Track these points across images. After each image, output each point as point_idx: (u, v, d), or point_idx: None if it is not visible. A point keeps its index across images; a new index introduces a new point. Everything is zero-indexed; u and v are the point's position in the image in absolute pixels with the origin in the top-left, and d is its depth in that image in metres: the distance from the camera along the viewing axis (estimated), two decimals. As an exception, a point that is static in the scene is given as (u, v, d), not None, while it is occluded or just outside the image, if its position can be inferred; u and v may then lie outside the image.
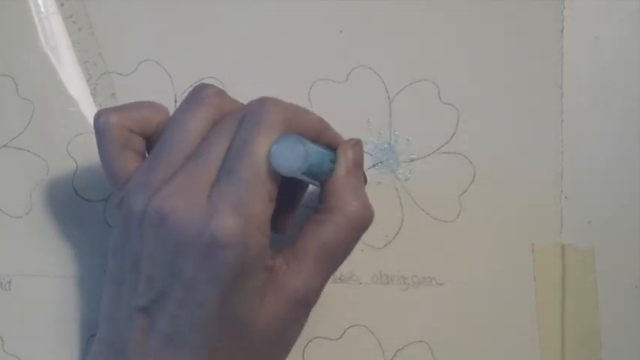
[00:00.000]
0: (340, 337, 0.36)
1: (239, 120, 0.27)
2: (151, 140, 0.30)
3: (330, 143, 0.30)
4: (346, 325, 0.36)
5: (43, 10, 0.37)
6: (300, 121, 0.28)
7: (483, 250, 0.36)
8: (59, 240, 0.36)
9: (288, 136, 0.26)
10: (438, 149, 0.37)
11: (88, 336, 0.35)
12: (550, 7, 0.38)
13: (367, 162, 0.37)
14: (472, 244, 0.36)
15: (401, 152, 0.37)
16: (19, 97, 0.37)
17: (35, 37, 0.37)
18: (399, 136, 0.37)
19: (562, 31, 0.38)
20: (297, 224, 0.32)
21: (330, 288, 0.36)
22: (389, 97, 0.37)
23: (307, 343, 0.36)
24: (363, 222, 0.29)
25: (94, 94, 0.37)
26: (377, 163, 0.37)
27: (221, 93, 0.29)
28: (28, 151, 0.36)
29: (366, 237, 0.36)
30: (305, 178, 0.27)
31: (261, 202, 0.26)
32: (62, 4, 0.37)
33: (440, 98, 0.37)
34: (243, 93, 0.30)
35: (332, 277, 0.36)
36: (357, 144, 0.30)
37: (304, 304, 0.29)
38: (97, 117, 0.29)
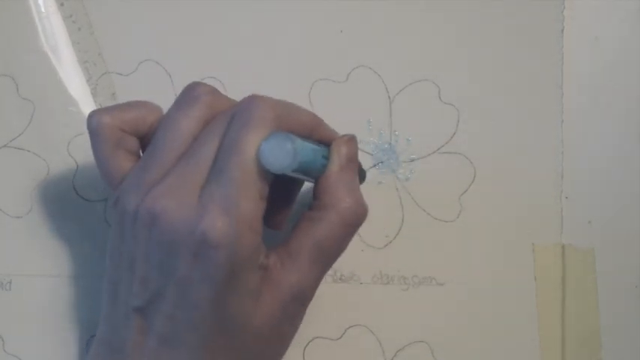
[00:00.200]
0: (340, 337, 0.36)
1: (229, 118, 0.27)
2: (145, 140, 0.30)
3: (324, 139, 0.30)
4: (346, 325, 0.36)
5: (43, 9, 0.37)
6: (292, 117, 0.28)
7: (483, 250, 0.36)
8: (59, 240, 0.36)
9: (277, 133, 0.26)
10: (439, 149, 0.37)
11: (88, 336, 0.35)
12: (550, 7, 0.38)
13: (367, 162, 0.37)
14: (472, 244, 0.36)
15: (401, 152, 0.37)
16: (19, 97, 0.37)
17: (35, 37, 0.37)
18: (399, 136, 0.37)
19: (562, 31, 0.38)
20: (290, 221, 0.32)
21: (331, 288, 0.36)
22: (389, 97, 0.37)
23: (307, 343, 0.36)
24: (356, 219, 0.29)
25: (94, 94, 0.37)
26: (377, 163, 0.37)
27: (213, 91, 0.29)
28: (28, 151, 0.36)
29: (367, 237, 0.36)
30: (297, 175, 0.27)
31: (251, 201, 0.26)
32: (62, 4, 0.37)
33: (440, 98, 0.37)
34: (243, 93, 0.29)
35: (332, 277, 0.36)
36: (350, 140, 0.30)
37: (300, 301, 0.29)
38: (90, 118, 0.29)
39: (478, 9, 0.38)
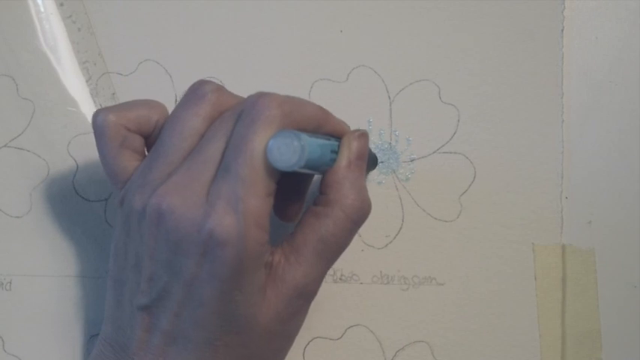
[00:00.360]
0: (340, 337, 0.36)
1: (237, 116, 0.27)
2: (150, 139, 0.30)
3: (333, 132, 0.30)
4: (346, 325, 0.36)
5: (42, 10, 0.37)
6: (299, 113, 0.28)
7: (484, 250, 0.36)
8: (59, 240, 0.36)
9: (284, 131, 0.26)
10: (439, 149, 0.37)
11: (89, 336, 0.35)
12: (550, 7, 0.38)
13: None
14: (472, 244, 0.36)
15: (401, 152, 0.37)
16: (19, 97, 0.37)
17: (35, 38, 0.37)
18: (399, 136, 0.37)
19: (562, 31, 0.38)
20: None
21: (331, 288, 0.36)
22: (389, 97, 0.37)
23: (307, 343, 0.36)
24: (362, 215, 0.29)
25: (94, 94, 0.37)
26: (377, 163, 0.37)
27: (219, 89, 0.29)
28: (28, 151, 0.36)
29: (367, 237, 0.36)
30: (305, 171, 0.27)
31: (259, 199, 0.26)
32: (62, 4, 0.37)
33: (440, 98, 0.37)
34: (243, 93, 0.30)
35: (332, 277, 0.36)
36: (362, 135, 0.30)
37: (305, 297, 0.29)
38: (95, 117, 0.29)
39: (478, 9, 0.38)
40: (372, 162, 0.34)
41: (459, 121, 0.37)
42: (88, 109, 0.37)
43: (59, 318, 0.35)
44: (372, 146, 0.37)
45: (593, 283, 0.36)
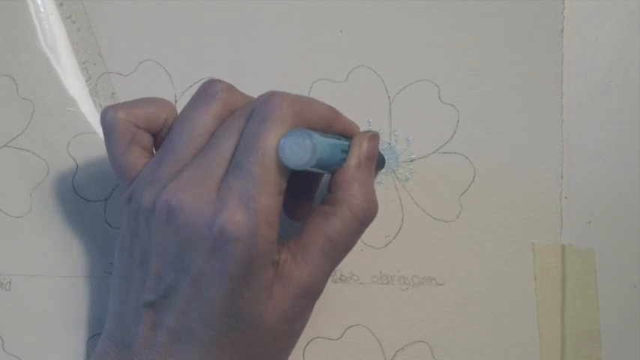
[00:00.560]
0: (340, 337, 0.36)
1: (248, 115, 0.27)
2: (158, 137, 0.30)
3: (344, 132, 0.30)
4: (346, 325, 0.36)
5: (42, 10, 0.37)
6: (310, 113, 0.28)
7: (483, 250, 0.36)
8: (59, 240, 0.36)
9: (296, 130, 0.26)
10: (438, 149, 0.37)
11: (89, 336, 0.35)
12: (550, 7, 0.38)
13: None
14: (472, 244, 0.36)
15: (401, 152, 0.37)
16: (19, 97, 0.37)
17: (34, 38, 0.37)
18: (399, 136, 0.37)
19: (562, 31, 0.38)
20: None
21: (330, 288, 0.36)
22: (389, 97, 0.37)
23: (307, 343, 0.36)
24: (369, 216, 0.29)
25: (93, 94, 0.37)
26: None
27: (230, 88, 0.29)
28: (28, 151, 0.36)
29: (366, 237, 0.36)
30: (315, 170, 0.27)
31: (270, 197, 0.26)
32: (61, 4, 0.37)
33: (440, 98, 0.37)
34: (244, 93, 0.30)
35: (332, 277, 0.36)
36: (373, 136, 0.30)
37: (311, 295, 0.29)
38: (105, 113, 0.29)
39: (478, 9, 0.38)
40: (380, 163, 0.35)
41: (458, 121, 0.37)
42: (87, 109, 0.37)
43: (59, 318, 0.35)
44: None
45: (592, 283, 0.36)
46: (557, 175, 0.37)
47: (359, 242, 0.35)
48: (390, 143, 0.37)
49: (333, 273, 0.36)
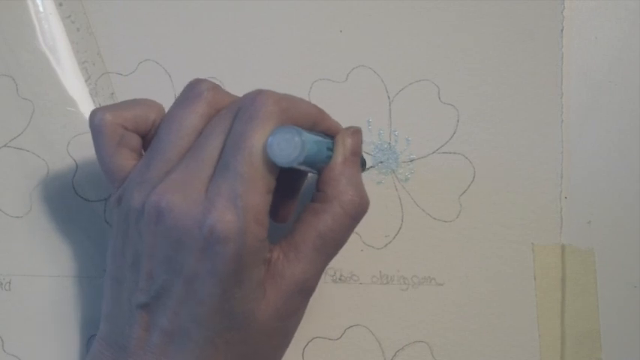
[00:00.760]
0: (340, 337, 0.36)
1: (234, 113, 0.27)
2: (147, 138, 0.30)
3: (328, 131, 0.30)
4: (346, 325, 0.36)
5: (41, 10, 0.37)
6: (296, 111, 0.28)
7: (483, 250, 0.36)
8: (59, 240, 0.36)
9: (283, 127, 0.26)
10: (438, 149, 0.37)
11: (88, 336, 0.35)
12: (550, 7, 0.38)
13: (367, 162, 0.37)
14: (472, 244, 0.36)
15: (401, 152, 0.37)
16: (19, 97, 0.37)
17: (34, 38, 0.37)
18: (399, 136, 0.37)
19: (562, 31, 0.38)
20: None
21: (330, 288, 0.36)
22: (389, 97, 0.37)
23: (307, 343, 0.36)
24: (361, 211, 0.29)
25: (93, 94, 0.37)
26: (377, 163, 0.37)
27: (215, 87, 0.29)
28: (28, 151, 0.36)
29: (366, 237, 0.36)
30: (302, 167, 0.27)
31: (258, 195, 0.26)
32: (61, 4, 0.37)
33: (440, 98, 0.37)
34: (243, 93, 0.30)
35: (332, 277, 0.36)
36: (356, 132, 0.30)
37: (304, 293, 0.29)
38: (92, 116, 0.29)
39: (478, 9, 0.38)
40: (360, 164, 0.34)
41: (458, 121, 0.37)
42: (87, 109, 0.37)
43: (59, 318, 0.35)
44: (371, 146, 0.37)
45: (592, 283, 0.36)
46: (557, 175, 0.37)
47: (359, 242, 0.35)
48: (389, 143, 0.37)
49: (333, 273, 0.36)
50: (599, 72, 0.38)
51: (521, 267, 0.36)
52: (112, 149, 0.29)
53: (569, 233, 0.37)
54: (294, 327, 0.30)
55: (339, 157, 0.29)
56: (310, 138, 0.27)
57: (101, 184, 0.36)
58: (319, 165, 0.29)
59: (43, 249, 0.36)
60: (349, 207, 0.28)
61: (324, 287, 0.36)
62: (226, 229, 0.25)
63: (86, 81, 0.37)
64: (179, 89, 0.37)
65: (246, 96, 0.28)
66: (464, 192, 0.37)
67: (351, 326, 0.36)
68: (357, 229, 0.33)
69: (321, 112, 0.30)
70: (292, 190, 0.33)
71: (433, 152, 0.37)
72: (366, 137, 0.37)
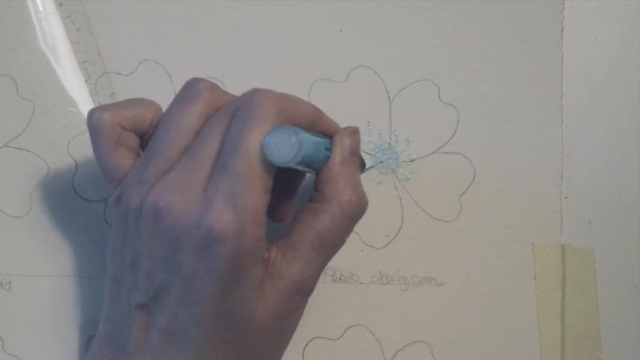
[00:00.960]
0: (340, 337, 0.36)
1: (232, 113, 0.27)
2: (145, 137, 0.30)
3: (326, 131, 0.30)
4: (346, 325, 0.36)
5: (41, 10, 0.37)
6: (294, 110, 0.28)
7: (483, 250, 0.36)
8: (59, 240, 0.36)
9: (281, 127, 0.26)
10: (438, 149, 0.37)
11: (88, 336, 0.35)
12: (550, 7, 0.38)
13: (367, 162, 0.37)
14: (472, 244, 0.36)
15: (401, 152, 0.37)
16: (19, 97, 0.37)
17: (34, 38, 0.37)
18: (399, 136, 0.37)
19: (562, 31, 0.38)
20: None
21: (330, 288, 0.36)
22: (389, 97, 0.37)
23: (307, 343, 0.36)
24: (357, 211, 0.29)
25: (93, 94, 0.37)
26: (377, 163, 0.37)
27: (213, 87, 0.29)
28: (28, 151, 0.36)
29: (366, 237, 0.36)
30: (300, 167, 0.27)
31: (256, 195, 0.26)
32: (61, 4, 0.37)
33: (440, 98, 0.37)
34: (234, 94, 0.30)
35: (332, 277, 0.36)
36: (354, 132, 0.30)
37: (302, 293, 0.29)
38: (90, 115, 0.29)
39: (478, 9, 0.38)
40: (360, 165, 0.34)
41: (458, 121, 0.37)
42: (87, 109, 0.36)
43: (59, 318, 0.35)
44: (371, 146, 0.37)
45: (592, 283, 0.36)
46: (557, 175, 0.37)
47: (359, 242, 0.35)
48: (390, 143, 0.37)
49: (333, 273, 0.36)
50: (599, 72, 0.38)
51: (521, 267, 0.36)
52: (110, 148, 0.29)
53: (569, 233, 0.37)
54: (292, 327, 0.30)
55: (337, 157, 0.29)
56: (308, 138, 0.27)
57: (101, 184, 0.36)
58: (317, 165, 0.29)
59: (43, 249, 0.36)
60: (347, 207, 0.28)
61: (324, 287, 0.36)
62: (224, 229, 0.25)
63: (86, 81, 0.37)
64: (179, 89, 0.37)
65: (244, 95, 0.28)
66: (464, 192, 0.37)
67: (351, 326, 0.36)
68: (358, 229, 0.33)
69: (319, 112, 0.30)
70: (290, 189, 0.33)
71: (433, 152, 0.37)
72: (366, 137, 0.37)
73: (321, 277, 0.33)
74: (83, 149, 0.36)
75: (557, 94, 0.37)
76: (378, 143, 0.37)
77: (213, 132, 0.27)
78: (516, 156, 0.37)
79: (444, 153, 0.37)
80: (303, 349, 0.36)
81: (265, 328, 0.28)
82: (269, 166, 0.26)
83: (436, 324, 0.36)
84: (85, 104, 0.37)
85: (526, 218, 0.37)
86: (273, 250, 0.28)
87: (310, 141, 0.27)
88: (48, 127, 0.36)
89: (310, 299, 0.30)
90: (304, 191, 0.34)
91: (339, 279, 0.36)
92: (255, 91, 0.27)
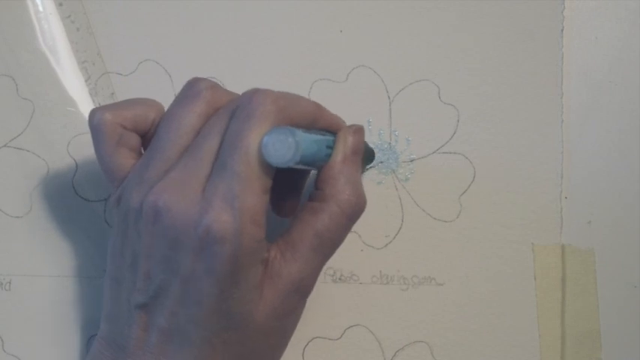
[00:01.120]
0: (340, 337, 0.36)
1: (231, 113, 0.27)
2: (146, 137, 0.30)
3: (328, 127, 0.30)
4: (346, 325, 0.36)
5: (41, 10, 0.37)
6: (294, 109, 0.28)
7: (483, 250, 0.36)
8: (59, 240, 0.36)
9: (279, 128, 0.26)
10: (438, 149, 0.37)
11: (88, 336, 0.35)
12: (550, 7, 0.38)
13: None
14: (472, 244, 0.36)
15: (401, 152, 0.37)
16: (19, 97, 0.37)
17: (34, 38, 0.37)
18: (399, 136, 0.37)
19: (562, 31, 0.38)
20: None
21: (330, 288, 0.36)
22: (389, 97, 0.37)
23: (307, 343, 0.36)
24: (357, 210, 0.29)
25: (93, 94, 0.37)
26: (377, 163, 0.37)
27: (214, 86, 0.29)
28: (28, 151, 0.36)
29: (366, 237, 0.36)
30: (300, 167, 0.27)
31: (255, 195, 0.26)
32: (60, 4, 0.37)
33: (440, 98, 0.37)
34: (235, 93, 0.30)
35: (332, 277, 0.36)
36: (357, 130, 0.30)
37: (301, 292, 0.29)
38: (92, 115, 0.29)
39: (478, 9, 0.38)
40: (369, 156, 0.34)
41: (458, 121, 0.37)
42: (87, 109, 0.37)
43: (59, 318, 0.35)
44: (371, 146, 0.37)
45: (592, 283, 0.36)
46: (557, 175, 0.37)
47: (359, 242, 0.35)
48: (390, 143, 0.37)
49: (333, 273, 0.36)
50: (599, 72, 0.38)
51: (521, 267, 0.36)
52: (112, 148, 0.29)
53: (569, 233, 0.37)
54: (291, 327, 0.30)
55: (338, 155, 0.29)
56: (308, 138, 0.27)
57: (101, 184, 0.36)
58: (319, 163, 0.29)
59: (43, 249, 0.36)
60: (346, 206, 0.28)
61: (324, 287, 0.36)
62: (222, 229, 0.25)
63: (86, 81, 0.37)
64: (179, 89, 0.37)
65: (243, 95, 0.28)
66: (464, 192, 0.37)
67: (351, 326, 0.36)
68: (357, 229, 0.33)
69: (320, 108, 0.29)
70: (296, 184, 0.33)
71: (433, 152, 0.37)
72: (366, 137, 0.36)
73: (321, 277, 0.33)
74: (83, 149, 0.36)
75: (557, 94, 0.37)
76: (378, 143, 0.37)
77: (213, 132, 0.27)
78: (516, 156, 0.37)
79: (444, 153, 0.37)
80: (303, 349, 0.36)
81: (264, 328, 0.28)
82: (267, 166, 0.26)
83: (436, 324, 0.36)
84: (85, 104, 0.37)
85: (526, 218, 0.37)
86: (272, 249, 0.28)
87: (310, 140, 0.27)
88: (48, 127, 0.36)
89: (310, 299, 0.30)
90: (311, 186, 0.34)
91: (339, 279, 0.36)
92: (255, 91, 0.27)
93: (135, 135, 0.29)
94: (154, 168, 0.28)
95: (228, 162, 0.26)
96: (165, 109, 0.30)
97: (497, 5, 0.38)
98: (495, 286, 0.36)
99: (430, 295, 0.36)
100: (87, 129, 0.36)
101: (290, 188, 0.32)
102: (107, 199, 0.36)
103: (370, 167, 0.37)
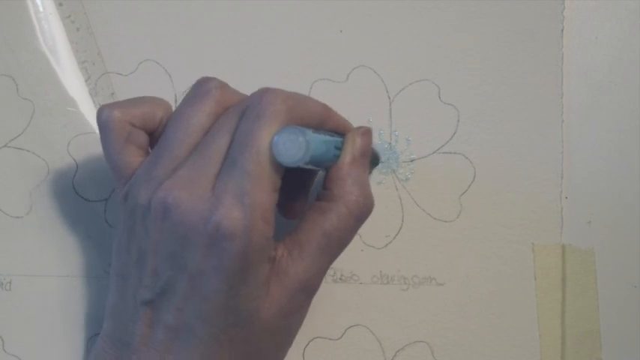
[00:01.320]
0: (340, 337, 0.36)
1: (241, 112, 0.27)
2: (154, 135, 0.30)
3: (336, 129, 0.30)
4: (346, 325, 0.36)
5: (41, 10, 0.37)
6: (303, 109, 0.28)
7: (483, 250, 0.36)
8: (59, 240, 0.36)
9: (289, 127, 0.26)
10: (438, 149, 0.37)
11: (89, 336, 0.35)
12: (550, 7, 0.38)
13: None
14: (472, 244, 0.36)
15: (401, 152, 0.37)
16: (19, 97, 0.37)
17: (34, 38, 0.37)
18: (399, 136, 0.37)
19: (562, 31, 0.38)
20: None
21: (331, 288, 0.36)
22: (389, 97, 0.37)
23: (307, 343, 0.36)
24: (365, 211, 0.29)
25: (93, 94, 0.37)
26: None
27: (223, 86, 0.29)
28: (28, 151, 0.36)
29: (367, 237, 0.36)
30: (309, 167, 0.27)
31: (264, 193, 0.26)
32: (60, 4, 0.37)
33: (440, 98, 0.37)
34: (244, 93, 0.30)
35: (332, 277, 0.36)
36: (366, 132, 0.30)
37: (307, 291, 0.29)
38: (100, 112, 0.29)
39: (478, 9, 0.38)
40: (374, 159, 0.35)
41: (458, 121, 0.37)
42: (87, 108, 0.37)
43: (59, 318, 0.35)
44: (373, 147, 0.37)
45: (592, 283, 0.36)
46: (557, 175, 0.37)
47: (359, 242, 0.35)
48: (390, 143, 0.37)
49: (333, 273, 0.36)
50: (599, 72, 0.38)
51: (521, 267, 0.36)
52: (120, 146, 0.29)
53: (570, 233, 0.37)
54: (297, 326, 0.30)
55: (347, 156, 0.29)
56: (317, 138, 0.27)
57: (102, 184, 0.36)
58: (327, 164, 0.29)
59: (43, 249, 0.36)
60: (354, 207, 0.29)
61: (324, 287, 0.36)
62: (232, 225, 0.26)
63: (86, 81, 0.37)
64: (179, 89, 0.37)
65: (253, 94, 0.28)
66: (464, 192, 0.37)
67: (352, 326, 0.36)
68: (358, 229, 0.33)
69: (328, 110, 0.30)
70: (303, 186, 0.33)
71: (433, 152, 0.37)
72: (366, 137, 0.37)
73: (322, 277, 0.33)
74: (83, 149, 0.36)
75: (557, 94, 0.37)
76: (378, 143, 0.37)
77: (222, 131, 0.27)
78: (516, 156, 0.37)
79: (444, 153, 0.37)
80: (304, 349, 0.36)
81: (270, 327, 0.28)
82: (277, 165, 0.26)
83: (436, 324, 0.36)
84: (85, 104, 0.37)
85: (526, 218, 0.37)
86: (279, 247, 0.28)
87: (319, 140, 0.27)
88: (48, 127, 0.36)
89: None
90: (318, 187, 0.34)
91: (340, 279, 0.36)
92: (265, 91, 0.27)
93: (143, 133, 0.30)
94: (162, 166, 0.28)
95: (238, 160, 0.26)
96: (172, 107, 0.30)
97: (497, 5, 0.38)
98: (495, 286, 0.36)
99: (430, 295, 0.36)
100: (87, 129, 0.36)
101: (297, 189, 0.32)
102: (107, 199, 0.36)
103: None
